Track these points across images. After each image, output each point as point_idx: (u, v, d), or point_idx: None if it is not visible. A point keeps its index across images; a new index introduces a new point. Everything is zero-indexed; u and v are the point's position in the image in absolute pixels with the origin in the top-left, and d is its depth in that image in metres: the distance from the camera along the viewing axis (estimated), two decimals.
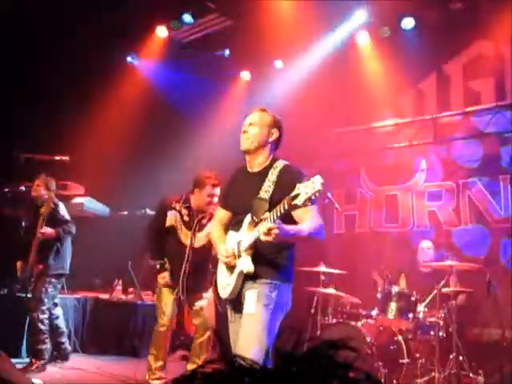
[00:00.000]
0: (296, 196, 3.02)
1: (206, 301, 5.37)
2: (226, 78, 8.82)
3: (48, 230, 5.95)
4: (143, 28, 7.93)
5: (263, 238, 3.11)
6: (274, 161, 3.58)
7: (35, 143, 7.11)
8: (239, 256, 3.46)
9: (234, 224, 3.61)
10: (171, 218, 5.29)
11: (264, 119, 3.57)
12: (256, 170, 3.58)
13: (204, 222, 5.28)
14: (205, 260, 5.33)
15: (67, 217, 6.18)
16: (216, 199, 5.11)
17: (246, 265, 3.39)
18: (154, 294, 5.58)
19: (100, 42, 7.48)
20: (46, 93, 7.31)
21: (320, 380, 0.58)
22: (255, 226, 3.34)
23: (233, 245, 3.52)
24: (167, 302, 5.33)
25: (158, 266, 5.31)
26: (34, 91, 7.21)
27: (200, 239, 5.27)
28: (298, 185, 3.04)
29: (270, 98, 8.30)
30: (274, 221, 3.12)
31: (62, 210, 6.19)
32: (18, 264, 6.17)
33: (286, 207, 3.09)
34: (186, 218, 5.27)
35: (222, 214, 3.83)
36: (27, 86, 7.21)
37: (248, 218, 3.43)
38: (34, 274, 6.04)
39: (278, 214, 3.13)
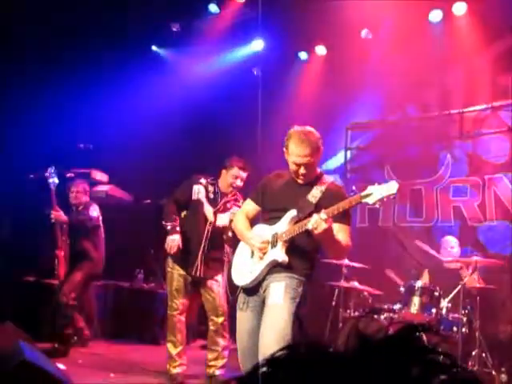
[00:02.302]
0: (368, 195, 3.08)
1: (218, 284, 5.37)
2: (250, 70, 8.77)
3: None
4: (169, 17, 7.92)
5: (311, 225, 3.18)
6: (321, 174, 3.72)
7: (60, 132, 7.17)
8: (273, 246, 3.52)
9: (268, 219, 3.68)
10: (197, 191, 5.30)
11: (316, 150, 3.52)
12: (305, 181, 3.63)
13: (229, 205, 5.31)
14: (222, 243, 5.35)
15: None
16: (239, 182, 5.21)
17: (281, 255, 3.48)
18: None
19: (125, 30, 7.50)
20: (70, 79, 7.34)
21: (401, 364, 0.56)
22: (297, 221, 3.45)
23: (266, 236, 3.59)
24: (178, 284, 5.32)
25: (168, 227, 5.20)
26: (57, 77, 7.23)
27: (221, 220, 5.28)
28: (369, 186, 3.19)
29: (291, 90, 8.28)
30: (331, 216, 3.22)
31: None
32: None
33: (353, 203, 3.24)
34: (211, 195, 5.29)
35: (250, 207, 3.88)
36: (49, 70, 7.24)
37: (292, 212, 3.51)
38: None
39: (340, 210, 3.24)
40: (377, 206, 3.23)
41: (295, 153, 3.50)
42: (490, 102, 7.06)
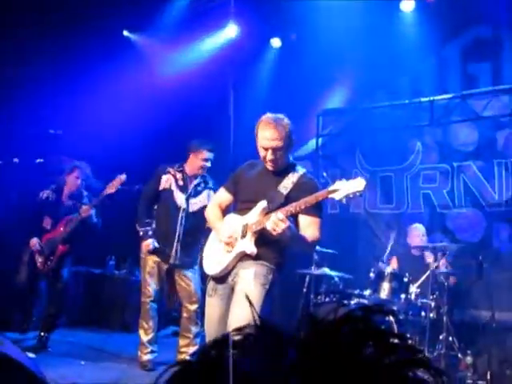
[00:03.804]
0: (335, 191, 3.10)
1: (193, 271, 5.38)
2: (223, 57, 8.71)
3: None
4: (141, 2, 7.82)
5: (269, 226, 3.21)
6: (294, 164, 3.69)
7: (28, 117, 7.07)
8: (243, 237, 3.53)
9: (240, 209, 3.68)
10: (166, 180, 5.35)
11: (284, 135, 3.50)
12: (277, 170, 3.62)
13: (199, 188, 5.34)
14: (197, 228, 5.36)
15: None
16: (209, 163, 5.30)
17: (249, 246, 3.49)
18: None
19: (96, 15, 7.40)
20: (40, 66, 7.23)
21: (353, 345, 0.57)
22: (268, 213, 3.44)
23: (236, 226, 3.59)
24: (151, 271, 5.34)
25: (141, 233, 5.31)
26: (24, 62, 7.11)
27: (194, 205, 5.31)
28: (337, 182, 3.19)
29: (263, 77, 8.29)
30: (290, 214, 3.27)
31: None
32: None
33: (320, 198, 3.25)
34: (180, 182, 5.34)
35: (223, 196, 3.88)
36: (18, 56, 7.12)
37: (263, 203, 3.50)
38: None
39: (307, 205, 3.27)
40: (343, 201, 3.23)
41: (262, 136, 3.51)
42: (460, 91, 7.15)
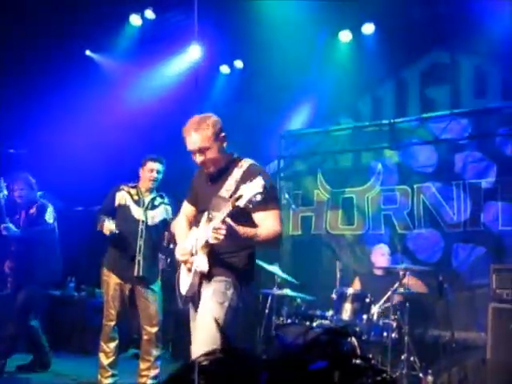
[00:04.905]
0: (240, 197, 2.94)
1: (153, 293, 5.31)
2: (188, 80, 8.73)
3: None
4: (105, 21, 7.79)
5: (211, 239, 3.05)
6: (238, 159, 3.49)
7: None
8: (196, 253, 3.37)
9: (196, 221, 3.55)
10: (120, 197, 5.33)
11: (209, 134, 3.34)
12: (217, 170, 3.47)
13: (156, 203, 5.37)
14: (156, 241, 5.32)
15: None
16: (155, 173, 5.31)
17: (200, 263, 3.32)
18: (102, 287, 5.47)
19: (58, 33, 7.35)
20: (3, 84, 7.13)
21: (323, 369, 0.57)
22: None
23: (192, 242, 3.45)
24: (114, 294, 5.23)
25: (101, 221, 5.06)
26: None
27: (153, 218, 5.28)
28: (241, 186, 2.98)
29: (226, 98, 8.32)
30: (223, 221, 3.03)
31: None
32: None
33: (230, 209, 3.00)
34: (135, 197, 5.32)
35: (187, 208, 3.81)
36: None
37: (205, 215, 3.33)
38: None
39: (225, 215, 3.03)
40: (250, 206, 2.98)
41: (186, 141, 3.39)
42: (419, 114, 7.30)
